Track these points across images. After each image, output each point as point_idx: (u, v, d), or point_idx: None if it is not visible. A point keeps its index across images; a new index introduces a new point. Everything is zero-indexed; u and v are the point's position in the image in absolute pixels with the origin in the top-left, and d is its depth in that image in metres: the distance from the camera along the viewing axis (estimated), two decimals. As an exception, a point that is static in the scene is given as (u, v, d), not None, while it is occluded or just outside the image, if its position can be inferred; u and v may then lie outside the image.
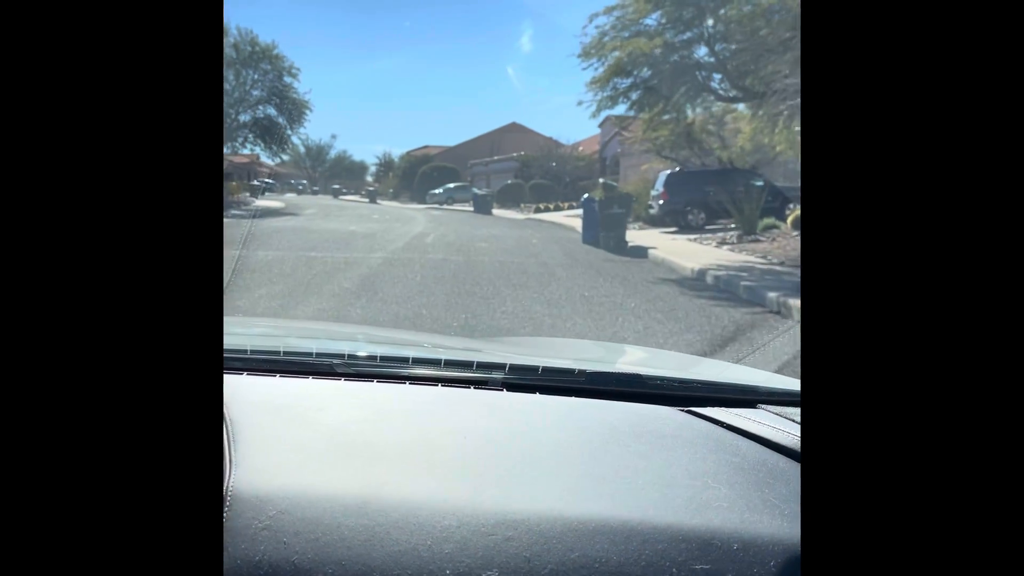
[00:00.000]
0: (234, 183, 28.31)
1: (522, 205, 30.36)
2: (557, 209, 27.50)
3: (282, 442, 0.92)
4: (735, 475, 0.88)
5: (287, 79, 29.59)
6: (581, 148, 37.66)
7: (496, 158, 41.55)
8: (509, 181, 34.83)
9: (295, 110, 29.54)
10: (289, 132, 29.78)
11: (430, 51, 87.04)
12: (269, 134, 29.37)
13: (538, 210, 27.43)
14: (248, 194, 29.62)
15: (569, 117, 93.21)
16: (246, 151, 30.51)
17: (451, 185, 37.75)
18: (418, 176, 41.23)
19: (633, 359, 1.87)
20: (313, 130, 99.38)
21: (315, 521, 0.76)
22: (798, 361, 0.69)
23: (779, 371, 2.03)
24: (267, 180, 56.66)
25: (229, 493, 0.79)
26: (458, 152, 46.80)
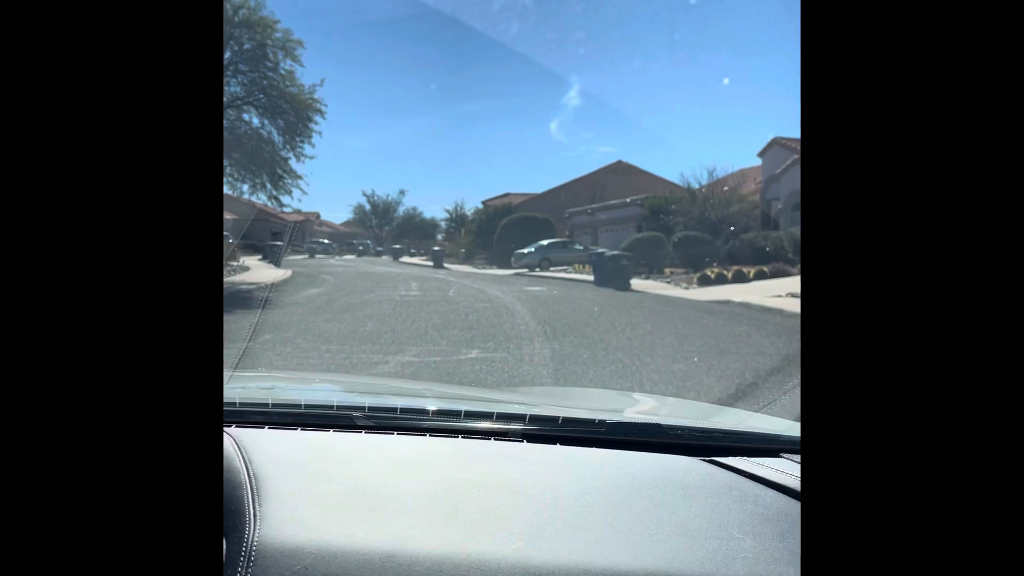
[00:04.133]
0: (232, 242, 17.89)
1: (668, 271, 18.95)
2: (739, 279, 15.99)
3: (305, 496, 0.93)
4: (759, 525, 0.89)
5: (286, 64, 16.27)
6: (726, 188, 26.37)
7: (612, 203, 30.22)
8: (637, 235, 23.28)
9: (297, 115, 16.12)
10: (287, 154, 16.55)
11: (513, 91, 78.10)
12: (256, 161, 15.99)
13: (705, 280, 15.99)
14: (257, 256, 19.13)
15: (695, 152, 78.52)
16: (226, 190, 18.96)
17: (544, 242, 26.57)
18: (499, 230, 30.08)
19: (652, 408, 1.79)
20: (380, 185, 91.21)
21: None
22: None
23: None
24: (322, 240, 48.22)
25: (254, 548, 0.80)
26: (548, 200, 35.98)
